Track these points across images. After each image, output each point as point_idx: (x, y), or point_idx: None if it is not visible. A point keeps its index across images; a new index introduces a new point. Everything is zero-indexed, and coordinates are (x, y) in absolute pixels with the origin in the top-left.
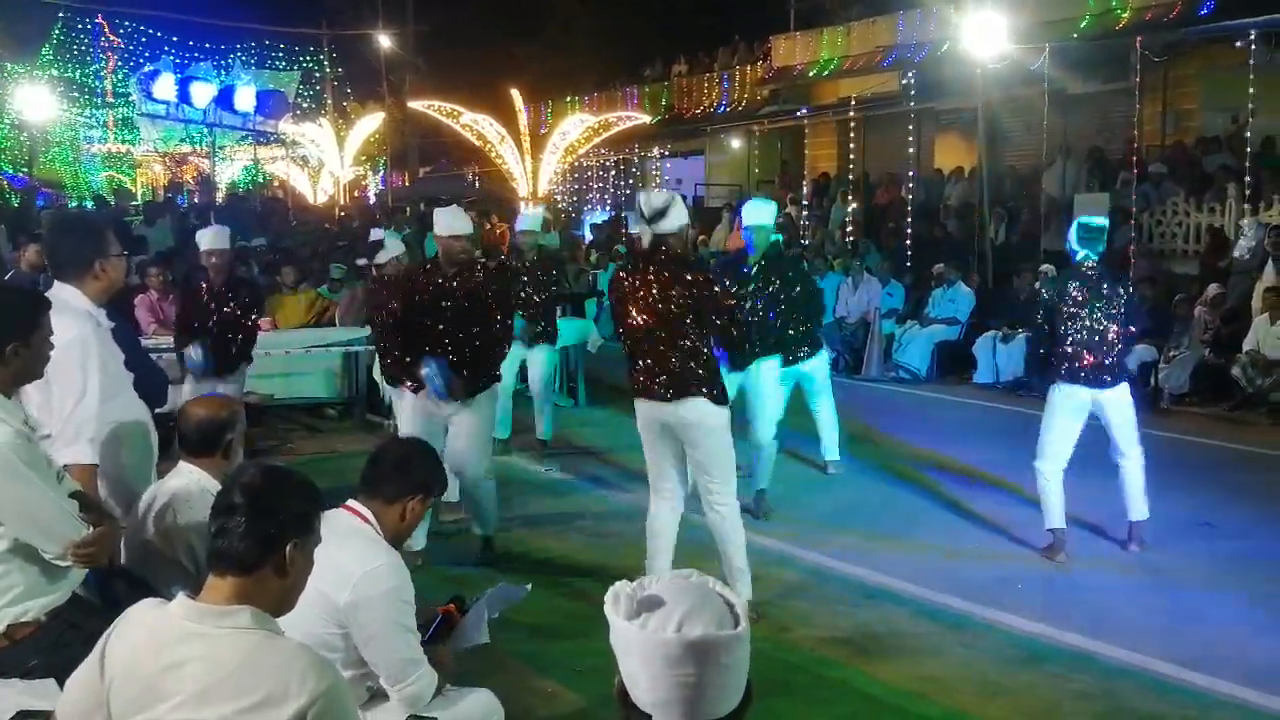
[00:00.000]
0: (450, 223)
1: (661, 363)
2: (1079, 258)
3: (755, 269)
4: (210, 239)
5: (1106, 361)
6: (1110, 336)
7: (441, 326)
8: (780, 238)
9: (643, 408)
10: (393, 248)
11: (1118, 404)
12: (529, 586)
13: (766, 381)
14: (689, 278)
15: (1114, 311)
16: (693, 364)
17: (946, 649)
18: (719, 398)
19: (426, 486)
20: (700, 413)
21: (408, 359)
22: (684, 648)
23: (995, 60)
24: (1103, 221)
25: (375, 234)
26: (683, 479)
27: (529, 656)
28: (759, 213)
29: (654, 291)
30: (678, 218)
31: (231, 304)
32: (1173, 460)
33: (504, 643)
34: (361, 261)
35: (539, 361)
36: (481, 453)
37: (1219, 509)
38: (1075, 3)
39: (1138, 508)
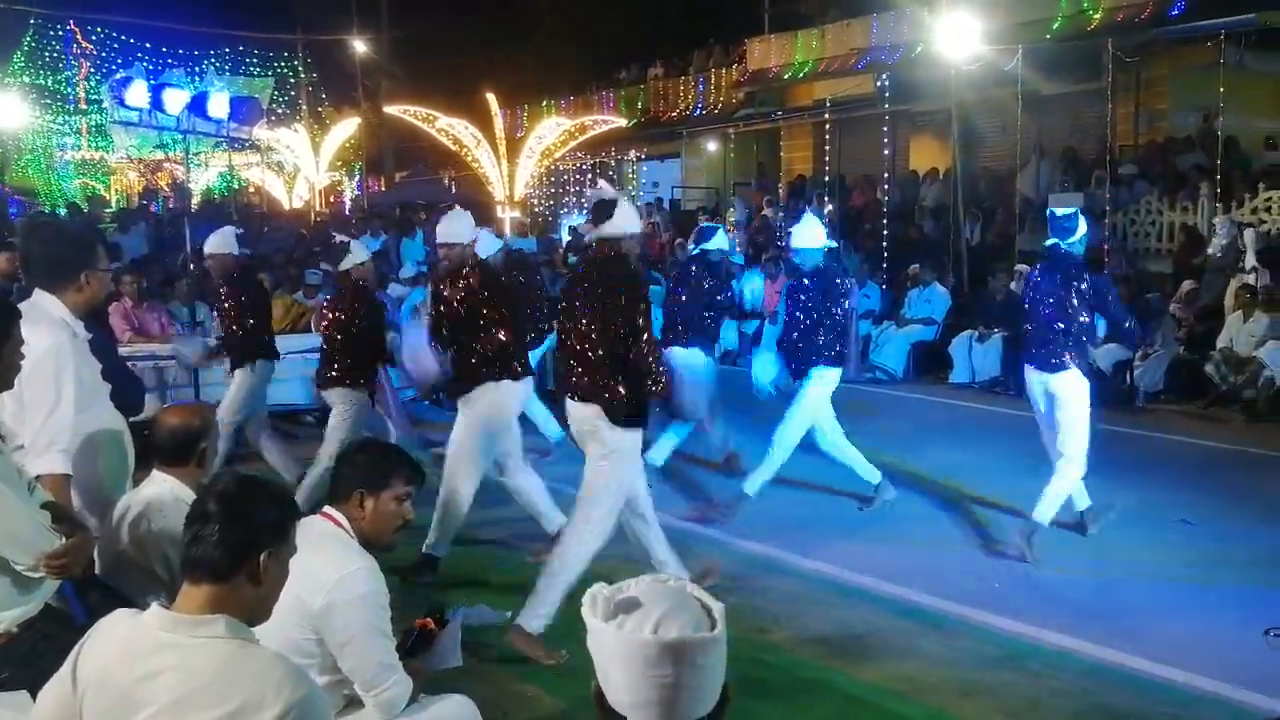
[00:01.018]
0: (445, 229)
1: (577, 362)
2: (1048, 245)
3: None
4: (213, 244)
5: (1053, 346)
6: (1060, 324)
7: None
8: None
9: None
10: (358, 253)
11: (1060, 391)
12: (509, 614)
13: (817, 391)
14: (619, 288)
15: (1069, 300)
16: (598, 374)
17: (925, 648)
18: (615, 411)
19: (370, 482)
20: (592, 423)
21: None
22: (661, 649)
23: (969, 62)
24: (1067, 210)
25: (339, 238)
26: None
27: (508, 660)
28: (809, 236)
29: (585, 293)
30: (621, 223)
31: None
32: (1148, 458)
33: (483, 647)
34: (325, 267)
35: None
36: (461, 458)
37: (1194, 506)
38: (1047, 4)
39: (1040, 509)
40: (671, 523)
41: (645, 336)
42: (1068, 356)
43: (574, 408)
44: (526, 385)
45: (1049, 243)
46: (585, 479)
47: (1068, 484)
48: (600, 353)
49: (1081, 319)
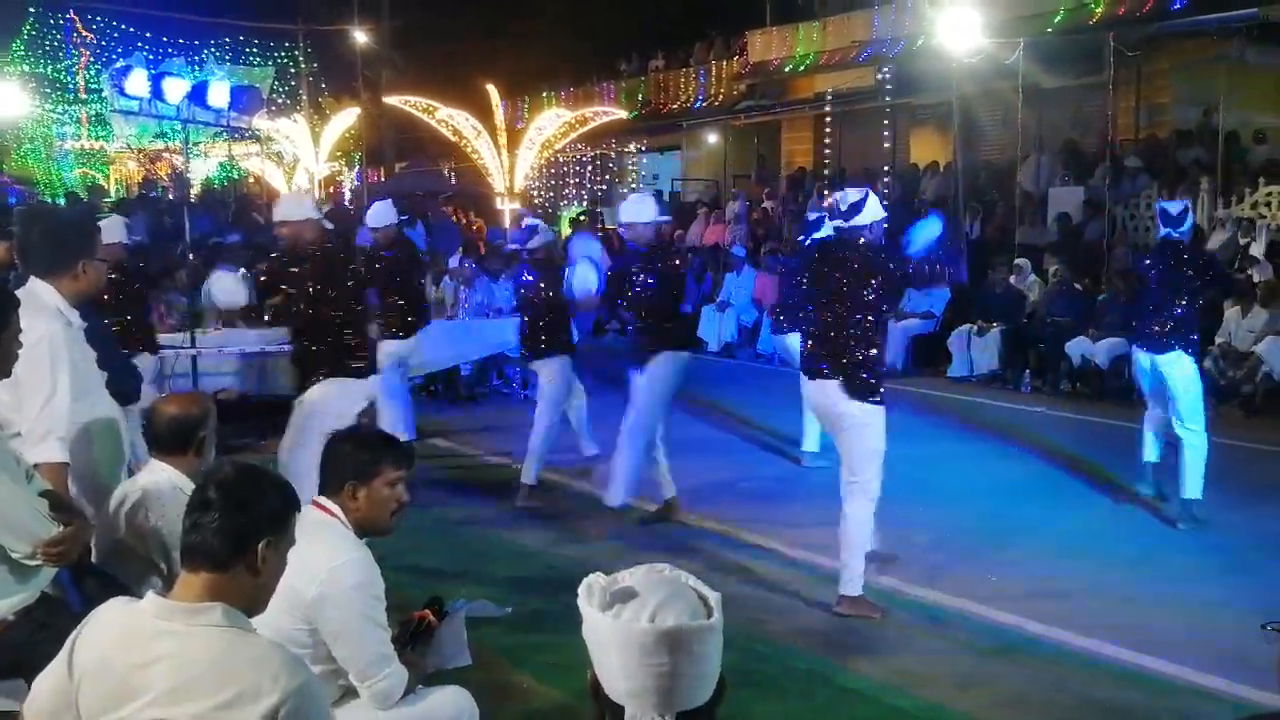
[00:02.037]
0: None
1: (819, 343)
2: (1160, 236)
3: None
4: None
5: (1162, 329)
6: (1169, 309)
7: None
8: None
9: None
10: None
11: (1169, 370)
12: (509, 610)
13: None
14: (867, 275)
15: (1179, 287)
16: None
17: (920, 641)
18: (857, 387)
19: (356, 470)
20: (836, 399)
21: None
22: (657, 637)
23: (970, 55)
24: (1177, 205)
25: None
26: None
27: (504, 651)
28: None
29: (830, 278)
30: (867, 217)
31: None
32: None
33: (479, 638)
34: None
35: None
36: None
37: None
38: None
39: (1188, 486)
40: (677, 517)
41: (878, 318)
42: (1176, 338)
43: (815, 386)
44: (369, 384)
45: (1162, 234)
46: (842, 454)
47: (1201, 451)
48: (845, 333)
49: (1186, 303)
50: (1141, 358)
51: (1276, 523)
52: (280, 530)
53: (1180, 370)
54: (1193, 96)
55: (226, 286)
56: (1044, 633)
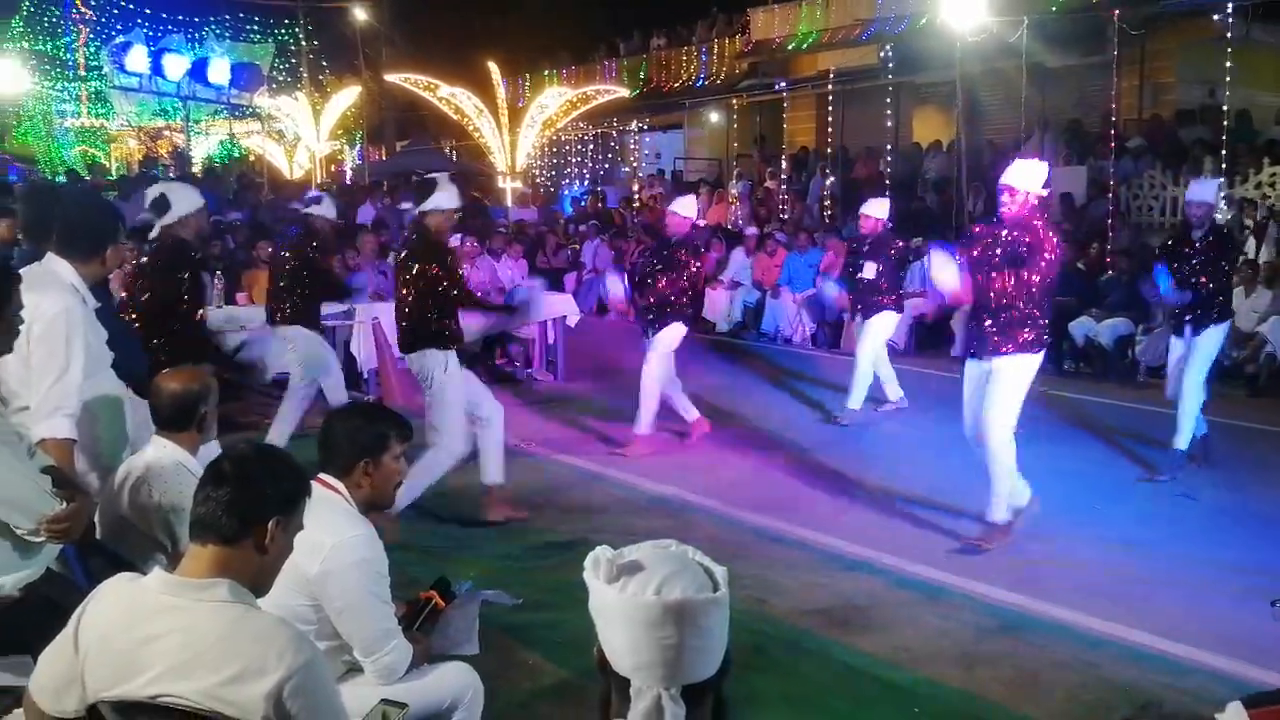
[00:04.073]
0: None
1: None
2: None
3: None
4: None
5: (1205, 308)
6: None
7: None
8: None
9: None
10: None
11: (1204, 344)
12: (520, 601)
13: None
14: (1040, 249)
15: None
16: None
17: (924, 619)
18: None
19: (369, 446)
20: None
21: None
22: (664, 609)
23: (973, 33)
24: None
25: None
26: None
27: (510, 629)
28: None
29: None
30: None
31: None
32: (1149, 432)
33: (484, 616)
34: None
35: None
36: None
37: (1196, 480)
38: None
39: (1179, 437)
40: (682, 496)
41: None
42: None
43: (974, 364)
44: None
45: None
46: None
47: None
48: (1020, 306)
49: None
50: None
51: None
52: (290, 511)
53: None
54: (1197, 76)
55: None
56: (1047, 612)
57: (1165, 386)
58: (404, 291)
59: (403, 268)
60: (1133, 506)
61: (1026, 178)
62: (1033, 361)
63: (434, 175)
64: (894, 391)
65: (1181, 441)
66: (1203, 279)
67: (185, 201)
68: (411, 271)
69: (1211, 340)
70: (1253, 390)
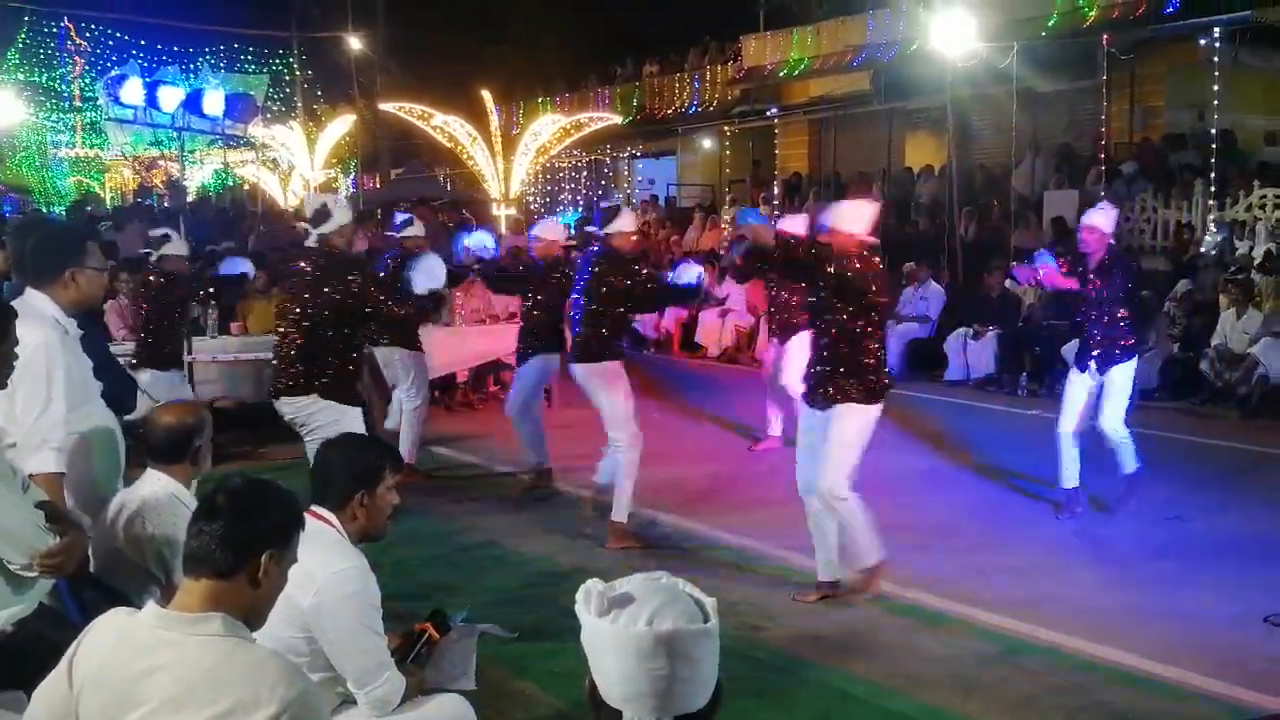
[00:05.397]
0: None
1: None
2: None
3: None
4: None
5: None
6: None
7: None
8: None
9: None
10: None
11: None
12: (516, 633)
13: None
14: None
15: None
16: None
17: (921, 645)
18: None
19: (364, 477)
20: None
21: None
22: (655, 641)
23: (964, 59)
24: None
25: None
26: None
27: (504, 659)
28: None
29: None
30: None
31: None
32: (1142, 454)
33: (479, 645)
34: None
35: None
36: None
37: (1189, 502)
38: (1043, 1)
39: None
40: (677, 522)
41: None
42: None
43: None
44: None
45: None
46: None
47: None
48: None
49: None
50: None
51: (1273, 525)
52: (284, 544)
53: None
54: (1187, 99)
55: None
56: (1045, 637)
57: (1060, 420)
58: (594, 306)
59: (596, 282)
60: (1127, 529)
61: (849, 220)
62: None
63: (616, 204)
64: (777, 428)
65: (1130, 464)
66: (1094, 313)
67: (343, 213)
68: (605, 288)
69: (1123, 375)
70: (1244, 412)
